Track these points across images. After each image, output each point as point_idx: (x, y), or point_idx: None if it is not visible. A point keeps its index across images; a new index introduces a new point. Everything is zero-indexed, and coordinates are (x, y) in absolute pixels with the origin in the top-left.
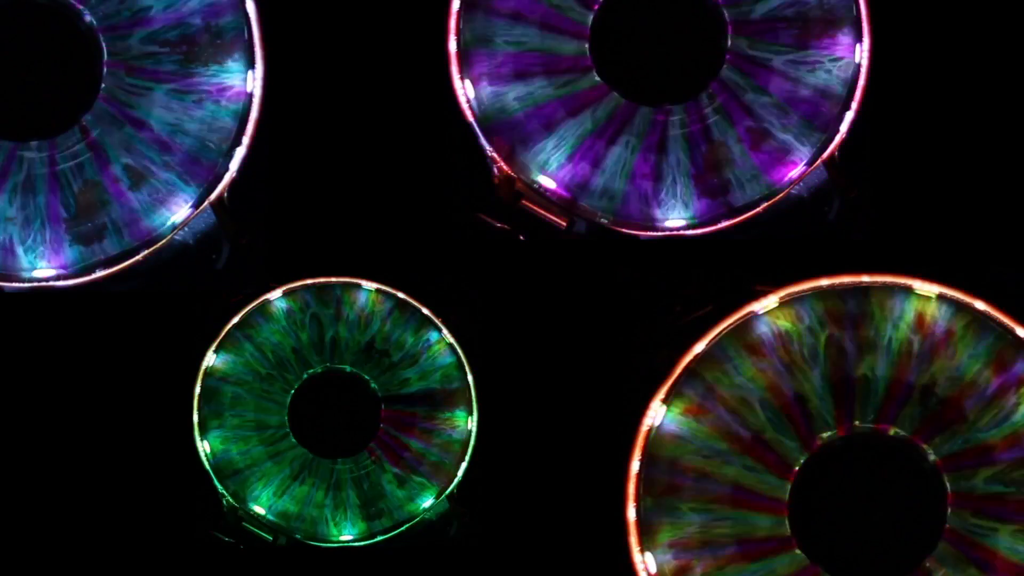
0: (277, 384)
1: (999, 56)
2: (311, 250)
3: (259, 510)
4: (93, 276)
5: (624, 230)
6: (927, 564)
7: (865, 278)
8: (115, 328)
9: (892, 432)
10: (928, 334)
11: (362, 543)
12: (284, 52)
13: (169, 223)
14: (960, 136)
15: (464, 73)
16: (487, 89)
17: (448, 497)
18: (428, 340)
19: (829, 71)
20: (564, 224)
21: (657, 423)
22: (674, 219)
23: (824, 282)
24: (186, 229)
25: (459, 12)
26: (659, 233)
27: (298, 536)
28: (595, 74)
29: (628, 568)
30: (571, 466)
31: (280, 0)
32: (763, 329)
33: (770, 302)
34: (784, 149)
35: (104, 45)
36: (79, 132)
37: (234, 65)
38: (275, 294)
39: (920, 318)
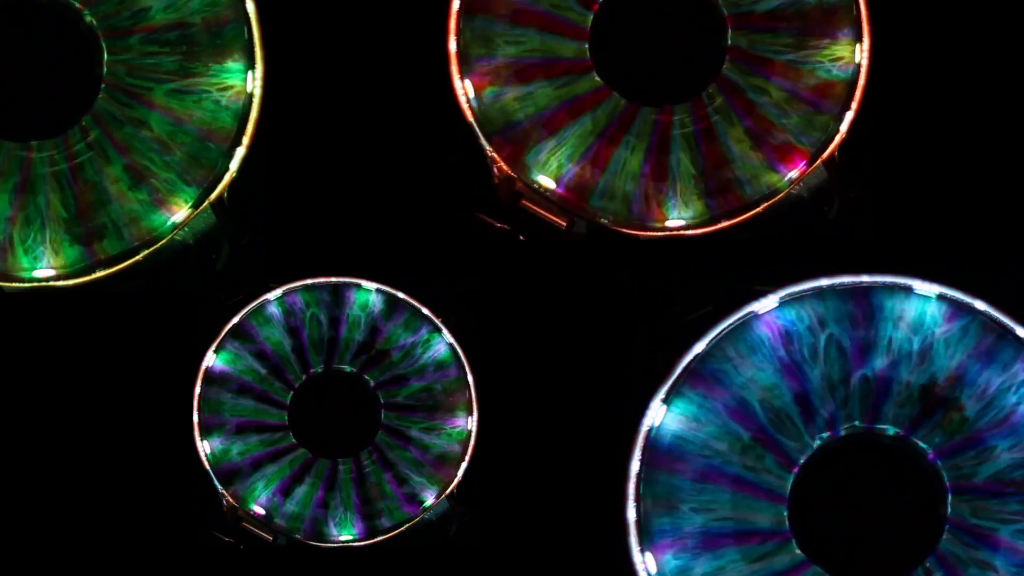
0: (277, 384)
1: (999, 56)
2: (311, 250)
3: (259, 510)
4: (93, 276)
5: (624, 230)
6: (927, 564)
7: (865, 278)
8: (115, 328)
9: (892, 432)
10: (928, 334)
11: (362, 543)
12: (284, 52)
13: (169, 223)
14: (960, 136)
15: (464, 73)
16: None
17: (448, 497)
18: (428, 340)
19: (829, 71)
20: (564, 224)
21: (657, 423)
22: (674, 219)
23: (824, 282)
24: (186, 229)
25: (459, 12)
26: (659, 233)
27: (298, 536)
28: (595, 74)
29: (628, 568)
30: (571, 466)
31: (280, 0)
32: (763, 329)
33: (770, 302)
34: (784, 149)
35: (104, 45)
36: (79, 132)
37: (234, 65)
38: (275, 294)
39: (920, 318)
